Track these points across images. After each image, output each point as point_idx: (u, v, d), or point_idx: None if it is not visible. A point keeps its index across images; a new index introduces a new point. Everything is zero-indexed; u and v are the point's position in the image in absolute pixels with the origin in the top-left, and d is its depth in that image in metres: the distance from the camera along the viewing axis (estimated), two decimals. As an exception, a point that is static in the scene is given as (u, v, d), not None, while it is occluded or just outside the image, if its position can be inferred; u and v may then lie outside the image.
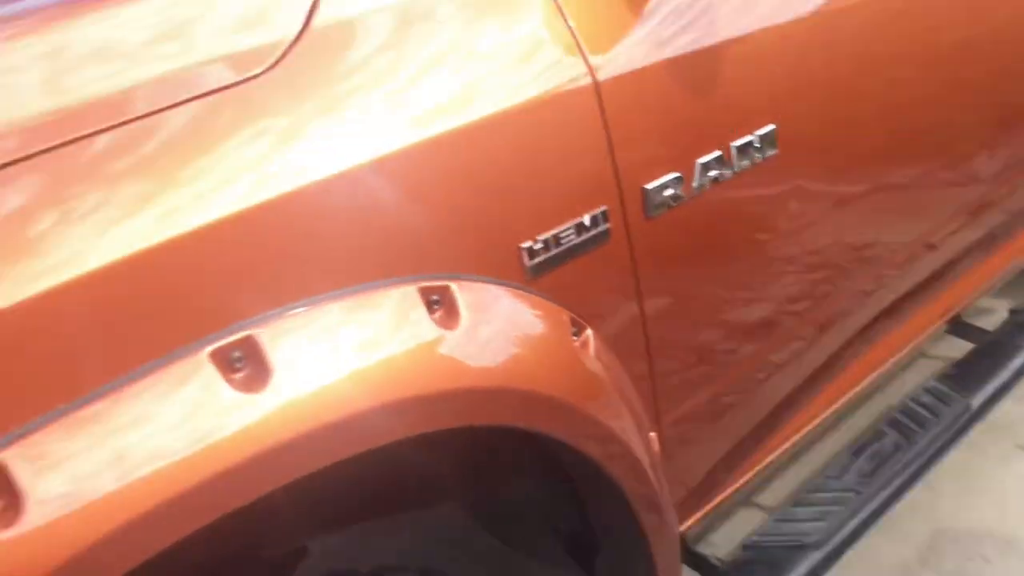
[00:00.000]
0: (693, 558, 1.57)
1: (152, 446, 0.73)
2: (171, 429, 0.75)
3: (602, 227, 1.09)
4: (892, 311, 1.73)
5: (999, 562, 2.08)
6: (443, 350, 0.89)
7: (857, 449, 1.72)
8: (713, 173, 1.20)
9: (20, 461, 0.70)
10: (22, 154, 0.76)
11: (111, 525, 0.71)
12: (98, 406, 0.73)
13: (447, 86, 0.97)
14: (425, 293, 0.91)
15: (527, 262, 1.02)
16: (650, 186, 1.13)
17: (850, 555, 2.12)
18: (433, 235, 0.94)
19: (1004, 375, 1.86)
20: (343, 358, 0.83)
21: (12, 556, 0.68)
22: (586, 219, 1.07)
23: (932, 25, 1.51)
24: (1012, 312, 2.11)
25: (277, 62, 0.89)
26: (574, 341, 1.06)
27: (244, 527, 0.99)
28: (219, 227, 0.80)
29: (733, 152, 1.22)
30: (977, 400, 1.81)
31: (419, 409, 0.87)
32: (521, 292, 1.01)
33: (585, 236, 1.07)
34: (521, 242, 1.01)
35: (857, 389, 1.74)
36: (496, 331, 0.96)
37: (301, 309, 0.84)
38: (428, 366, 0.88)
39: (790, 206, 1.32)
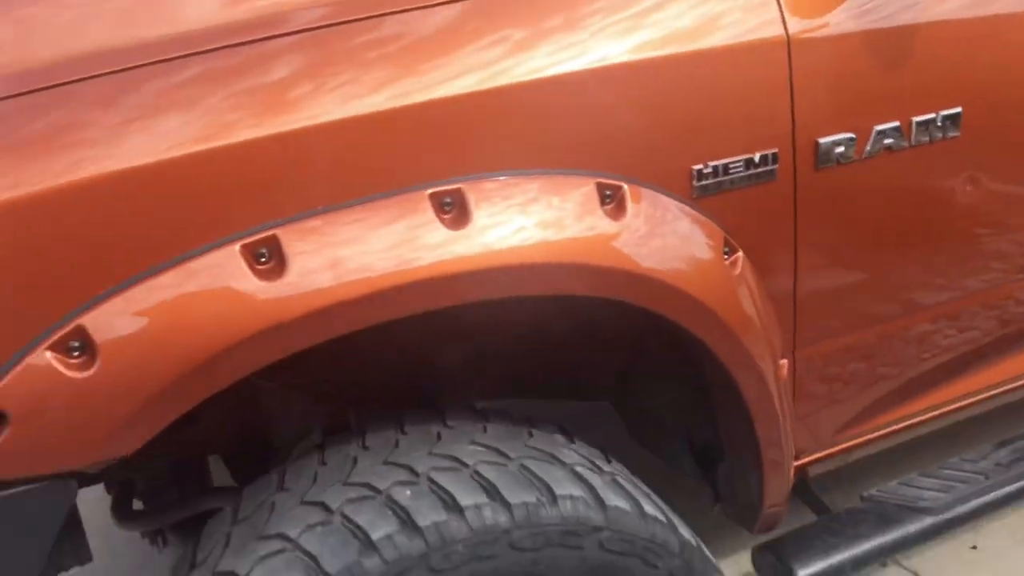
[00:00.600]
0: (810, 497, 1.71)
1: (381, 248, 1.00)
2: (390, 245, 1.01)
3: (770, 167, 1.25)
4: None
5: None
6: (605, 234, 1.11)
7: (1002, 442, 1.77)
8: (888, 141, 1.32)
9: (289, 236, 0.99)
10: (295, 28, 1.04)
11: (344, 297, 0.99)
12: (355, 213, 1.01)
13: (670, 21, 1.16)
14: (601, 187, 1.13)
15: (695, 183, 1.21)
16: (824, 140, 1.28)
17: (980, 553, 2.17)
18: (622, 141, 1.15)
19: None
20: (528, 219, 1.06)
21: (273, 299, 0.97)
22: (756, 157, 1.24)
23: None
24: None
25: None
26: (725, 259, 1.24)
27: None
28: (445, 102, 1.04)
29: (913, 126, 1.33)
30: None
31: (578, 273, 1.09)
32: (684, 205, 1.20)
33: (752, 171, 1.24)
34: (694, 164, 1.20)
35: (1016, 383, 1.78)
36: (655, 232, 1.16)
37: (502, 177, 1.08)
38: (589, 243, 1.09)
39: (960, 189, 1.41)
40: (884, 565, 2.00)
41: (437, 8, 1.09)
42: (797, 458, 1.55)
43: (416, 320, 1.40)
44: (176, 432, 1.48)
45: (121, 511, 1.61)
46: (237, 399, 1.51)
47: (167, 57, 1.01)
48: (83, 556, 1.45)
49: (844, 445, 1.60)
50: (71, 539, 1.39)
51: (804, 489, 1.72)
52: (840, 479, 1.79)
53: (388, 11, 1.07)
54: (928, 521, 1.59)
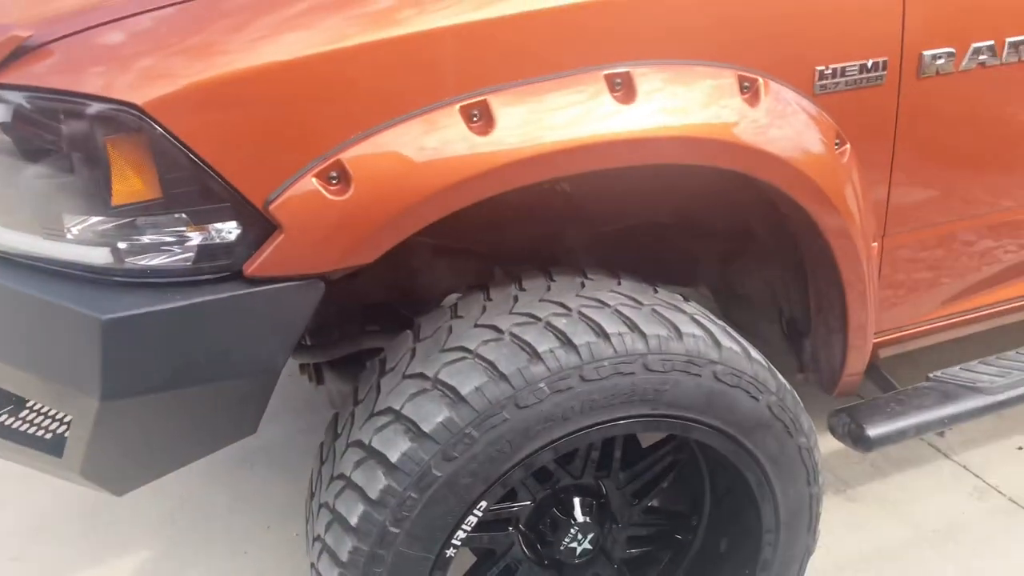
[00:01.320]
0: (879, 376, 1.95)
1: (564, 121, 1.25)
2: (573, 111, 1.26)
3: (880, 72, 1.47)
4: None
5: None
6: (744, 118, 1.35)
7: (1056, 341, 1.99)
8: (982, 57, 1.53)
9: (496, 101, 1.24)
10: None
11: (537, 151, 1.24)
12: (546, 85, 1.26)
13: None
14: (740, 79, 1.36)
15: (816, 81, 1.43)
16: (927, 53, 1.49)
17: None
18: (758, 42, 1.37)
19: None
20: (680, 100, 1.31)
21: (483, 150, 1.23)
22: (869, 63, 1.45)
23: None
24: None
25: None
26: (836, 149, 1.47)
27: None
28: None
29: (1006, 45, 1.54)
30: None
31: (718, 147, 1.33)
32: (805, 100, 1.43)
33: (864, 75, 1.46)
34: (818, 64, 1.42)
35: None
36: (781, 120, 1.39)
37: (660, 63, 1.31)
38: (730, 122, 1.33)
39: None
40: (941, 435, 2.25)
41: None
42: (876, 335, 1.79)
43: (559, 192, 1.66)
44: (341, 281, 1.78)
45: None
46: (395, 256, 1.80)
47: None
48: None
49: (919, 328, 1.84)
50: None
51: (873, 369, 1.97)
52: (910, 362, 2.03)
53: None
54: (983, 400, 1.82)
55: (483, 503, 1.37)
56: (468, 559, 1.68)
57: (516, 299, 1.49)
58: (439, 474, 1.32)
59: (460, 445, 1.32)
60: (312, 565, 1.46)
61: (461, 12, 1.23)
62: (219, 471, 2.58)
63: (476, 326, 1.43)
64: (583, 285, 1.52)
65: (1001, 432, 2.56)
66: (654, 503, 1.72)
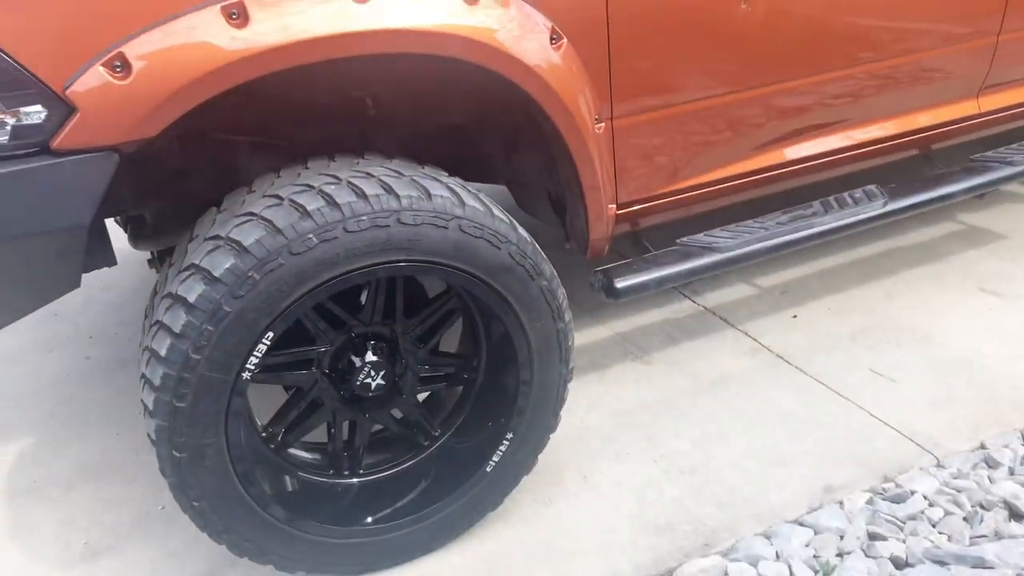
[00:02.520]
0: (639, 244, 2.33)
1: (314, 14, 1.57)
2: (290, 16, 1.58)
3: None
4: (858, 118, 2.34)
5: (907, 348, 2.72)
6: (464, 14, 1.68)
7: (787, 210, 2.39)
8: (676, -35, 1.89)
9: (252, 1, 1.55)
10: None
11: (287, 40, 1.56)
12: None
13: None
14: (468, -14, 1.69)
15: (532, -15, 1.77)
16: (626, -38, 1.84)
17: (798, 322, 2.83)
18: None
19: (927, 197, 2.45)
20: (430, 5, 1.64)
21: (238, 40, 1.54)
22: (576, -29, 1.80)
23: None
24: (970, 159, 2.64)
25: None
26: (552, 43, 1.81)
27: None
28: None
29: (695, -45, 1.90)
30: (893, 205, 2.41)
31: (446, 39, 1.66)
32: (523, 2, 1.76)
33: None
34: (529, -26, 1.76)
35: (815, 172, 2.39)
36: (500, 16, 1.73)
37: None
38: (450, 19, 1.67)
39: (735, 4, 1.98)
40: (698, 284, 2.65)
41: None
42: (621, 207, 2.16)
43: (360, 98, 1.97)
44: (173, 183, 2.07)
45: (136, 237, 2.22)
46: (219, 157, 2.10)
47: None
48: (110, 259, 2.05)
49: (658, 202, 2.21)
50: (100, 245, 1.99)
51: (636, 238, 2.35)
52: (667, 232, 2.41)
53: None
54: (714, 257, 2.22)
55: (270, 333, 1.70)
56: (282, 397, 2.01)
57: (299, 175, 1.81)
58: (229, 310, 1.64)
59: (245, 286, 1.64)
60: (142, 401, 1.78)
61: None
62: (99, 373, 2.87)
63: (263, 196, 1.75)
64: (358, 162, 1.85)
65: (782, 305, 3.00)
66: (441, 348, 2.07)
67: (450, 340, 2.11)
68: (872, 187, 2.47)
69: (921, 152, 2.63)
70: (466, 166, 2.42)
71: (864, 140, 2.40)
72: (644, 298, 2.99)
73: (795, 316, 2.94)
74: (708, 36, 2.01)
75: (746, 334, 2.86)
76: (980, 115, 2.54)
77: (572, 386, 2.08)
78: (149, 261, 2.35)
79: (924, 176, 2.59)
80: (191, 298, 1.65)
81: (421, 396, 2.11)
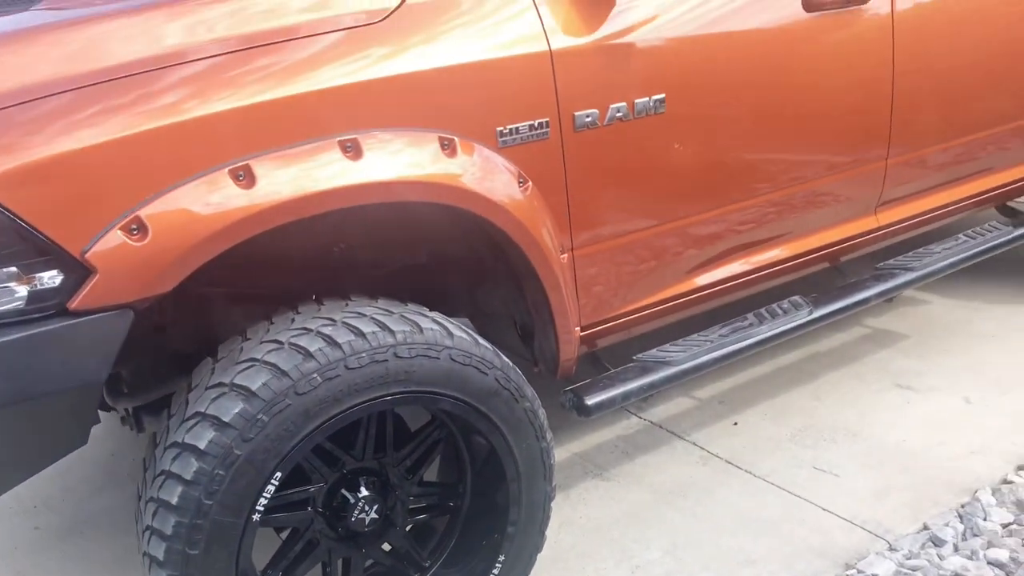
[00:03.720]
0: (599, 363, 2.50)
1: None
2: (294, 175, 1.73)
3: (545, 130, 2.04)
4: (777, 238, 2.62)
5: (841, 443, 2.93)
6: (443, 164, 1.87)
7: (726, 323, 2.61)
8: (619, 115, 2.14)
9: (256, 163, 1.69)
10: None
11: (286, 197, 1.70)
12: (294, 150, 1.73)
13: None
14: (441, 139, 1.88)
15: (499, 140, 1.98)
16: (578, 113, 2.08)
17: (740, 428, 3.02)
18: (450, 113, 1.91)
19: (845, 304, 2.73)
20: (395, 154, 1.81)
21: (243, 200, 1.67)
22: (535, 122, 2.02)
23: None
24: (876, 267, 2.95)
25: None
26: (520, 186, 2.01)
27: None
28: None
29: (635, 104, 2.16)
30: (818, 312, 2.67)
31: (426, 187, 1.84)
32: (493, 152, 1.97)
33: (532, 132, 2.02)
34: (497, 126, 1.97)
35: (743, 288, 2.64)
36: (476, 166, 1.92)
37: (381, 132, 1.82)
38: (433, 170, 1.85)
39: (670, 146, 2.24)
40: (645, 400, 2.81)
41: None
42: (584, 329, 2.33)
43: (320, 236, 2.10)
44: (150, 338, 2.14)
45: (113, 395, 2.25)
46: (195, 311, 2.18)
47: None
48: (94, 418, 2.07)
49: (616, 322, 2.40)
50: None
51: (595, 358, 2.52)
52: (625, 349, 2.59)
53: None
54: (672, 370, 2.40)
55: (278, 474, 1.76)
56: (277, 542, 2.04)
57: (293, 320, 1.91)
58: (240, 453, 1.71)
59: (254, 428, 1.71)
60: (144, 554, 1.79)
61: (223, 100, 1.69)
62: (50, 541, 2.79)
63: (262, 342, 1.84)
64: (347, 305, 1.97)
65: (722, 414, 3.19)
66: (427, 478, 2.15)
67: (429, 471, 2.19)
68: (796, 298, 2.73)
69: (832, 265, 2.93)
70: (430, 302, 2.57)
71: (783, 257, 2.67)
72: (595, 418, 3.15)
73: (736, 423, 3.13)
74: (646, 175, 2.26)
75: (694, 444, 3.02)
76: (879, 228, 2.87)
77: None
78: (123, 419, 2.35)
79: (839, 285, 2.88)
80: (201, 444, 1.70)
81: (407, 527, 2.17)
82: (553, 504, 2.72)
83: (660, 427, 3.14)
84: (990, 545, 2.35)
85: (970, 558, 2.31)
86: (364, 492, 1.99)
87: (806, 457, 2.88)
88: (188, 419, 1.77)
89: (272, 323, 1.94)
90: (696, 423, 3.14)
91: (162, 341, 2.22)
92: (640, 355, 2.46)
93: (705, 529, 2.57)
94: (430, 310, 2.40)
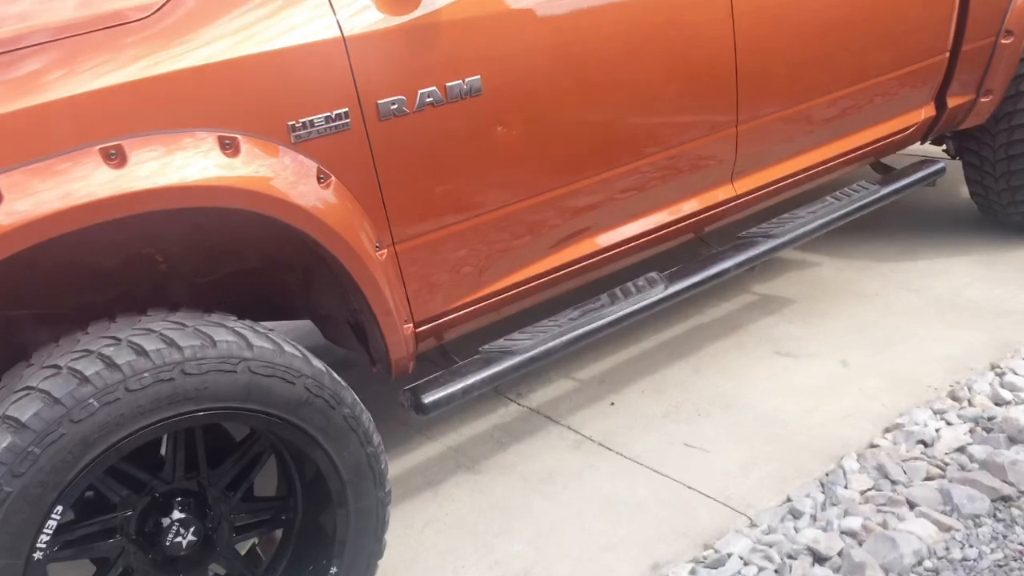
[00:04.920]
0: (446, 356, 2.41)
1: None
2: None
3: (345, 121, 1.93)
4: (625, 214, 2.54)
5: (715, 417, 2.89)
6: (225, 166, 1.75)
7: (577, 305, 2.54)
8: (429, 100, 2.04)
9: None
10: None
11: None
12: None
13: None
14: (221, 139, 1.77)
15: (291, 135, 1.87)
16: (381, 101, 1.97)
17: (616, 408, 2.96)
18: (231, 110, 1.79)
19: (702, 277, 2.67)
20: (172, 162, 1.70)
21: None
22: (332, 113, 1.91)
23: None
24: (738, 236, 2.90)
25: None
26: (319, 183, 1.91)
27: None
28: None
29: (446, 88, 2.06)
30: (673, 288, 2.61)
31: (195, 192, 1.73)
32: (284, 148, 1.86)
33: (330, 124, 1.91)
34: (288, 120, 1.86)
35: (598, 268, 2.56)
36: (262, 164, 1.81)
37: (152, 135, 1.70)
38: (213, 173, 1.74)
39: (489, 129, 2.14)
40: (497, 392, 2.74)
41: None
42: (419, 325, 2.24)
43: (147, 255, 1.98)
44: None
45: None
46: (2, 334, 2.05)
47: None
48: None
49: (454, 315, 2.31)
50: None
51: (443, 351, 2.43)
52: (473, 340, 2.50)
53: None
54: (516, 359, 2.32)
55: (59, 507, 1.65)
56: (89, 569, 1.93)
57: (79, 341, 1.79)
58: (10, 489, 1.59)
59: (25, 462, 1.60)
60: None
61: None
62: None
63: (42, 367, 1.73)
64: (139, 320, 1.85)
65: (600, 394, 3.13)
66: (252, 492, 2.06)
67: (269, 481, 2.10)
68: (652, 274, 2.67)
69: (697, 236, 2.87)
70: (267, 307, 2.46)
71: (636, 233, 2.60)
72: (471, 407, 3.08)
73: (612, 403, 3.07)
74: (468, 160, 2.16)
75: (569, 428, 2.96)
76: (737, 197, 2.81)
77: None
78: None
79: (699, 257, 2.82)
80: (-32, 484, 1.59)
81: (245, 547, 2.08)
82: (422, 501, 2.68)
83: (537, 412, 3.07)
84: (846, 514, 2.32)
85: (824, 529, 2.27)
86: (178, 515, 1.89)
87: (679, 433, 2.84)
88: (-40, 457, 1.65)
89: (58, 346, 1.82)
90: (573, 406, 3.08)
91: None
92: (485, 346, 2.38)
93: (570, 516, 2.51)
94: (267, 317, 2.31)
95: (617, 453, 2.78)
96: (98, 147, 1.66)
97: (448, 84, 2.06)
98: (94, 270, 2.06)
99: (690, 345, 3.37)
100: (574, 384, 3.22)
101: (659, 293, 2.59)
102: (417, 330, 2.24)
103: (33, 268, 1.81)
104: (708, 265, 2.73)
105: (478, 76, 2.10)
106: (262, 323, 1.96)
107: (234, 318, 1.94)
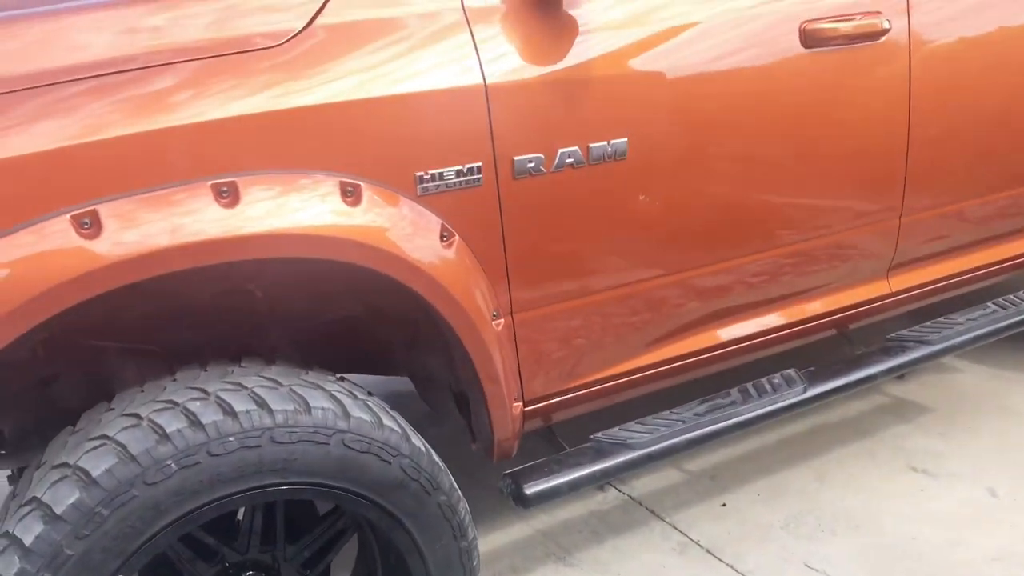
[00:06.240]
0: (554, 439, 2.18)
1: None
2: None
3: (477, 176, 1.74)
4: (764, 303, 2.29)
5: (841, 536, 2.57)
6: (343, 216, 1.58)
7: (704, 399, 2.28)
8: (570, 160, 1.84)
9: (105, 208, 1.42)
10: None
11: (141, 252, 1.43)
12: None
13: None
14: (343, 185, 1.60)
15: (418, 187, 1.69)
16: (517, 158, 1.78)
17: (728, 510, 2.68)
18: (357, 154, 1.63)
19: (846, 381, 2.37)
20: (282, 202, 1.53)
21: (87, 253, 1.40)
22: (464, 167, 1.73)
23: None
24: (886, 338, 2.59)
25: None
26: (442, 241, 1.72)
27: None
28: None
29: (588, 149, 1.85)
30: (814, 391, 2.32)
31: (312, 242, 1.56)
32: (410, 201, 1.68)
33: (461, 179, 1.73)
34: (416, 171, 1.68)
35: (727, 359, 2.31)
36: (383, 217, 1.63)
37: (269, 175, 1.54)
38: (330, 222, 1.57)
39: (631, 198, 1.93)
40: (602, 489, 2.48)
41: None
42: (527, 403, 2.02)
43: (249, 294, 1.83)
44: (34, 392, 1.88)
45: (-12, 455, 1.99)
46: (85, 363, 1.92)
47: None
48: None
49: (568, 396, 2.08)
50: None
51: (550, 434, 2.20)
52: (585, 425, 2.27)
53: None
54: (632, 455, 2.07)
55: (120, 577, 1.48)
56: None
57: (165, 388, 1.64)
58: (71, 553, 1.43)
59: (91, 524, 1.43)
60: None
61: (70, 134, 1.43)
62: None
63: (122, 415, 1.57)
64: (231, 372, 1.69)
65: (711, 492, 2.84)
66: (334, 573, 1.85)
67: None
68: (791, 371, 2.39)
69: (840, 333, 2.58)
70: (367, 359, 2.28)
71: (775, 325, 2.34)
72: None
73: (724, 504, 2.78)
74: (602, 229, 1.95)
75: (674, 527, 2.68)
76: (891, 295, 2.51)
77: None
78: (9, 478, 2.10)
79: (843, 358, 2.52)
80: (27, 540, 1.43)
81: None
82: (504, 592, 2.44)
83: (640, 504, 2.80)
84: None
85: None
86: (249, 592, 1.71)
87: (799, 551, 2.52)
88: (24, 504, 1.50)
89: (142, 391, 1.67)
90: (680, 501, 2.80)
91: (48, 397, 1.96)
92: (598, 435, 2.14)
93: (670, 635, 2.23)
94: (365, 370, 2.12)
95: (728, 565, 2.48)
96: (210, 182, 1.50)
97: (592, 145, 1.86)
98: (189, 307, 1.92)
99: (814, 446, 3.05)
100: (681, 476, 2.94)
101: (797, 395, 2.30)
102: (526, 409, 2.02)
103: (126, 299, 1.67)
104: (853, 368, 2.43)
105: (625, 139, 1.89)
106: (359, 387, 1.77)
107: (332, 378, 1.76)
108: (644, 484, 2.89)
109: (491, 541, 2.65)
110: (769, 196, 2.15)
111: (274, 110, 1.56)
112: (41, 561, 1.42)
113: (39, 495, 1.47)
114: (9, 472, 2.10)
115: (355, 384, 1.78)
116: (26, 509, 1.48)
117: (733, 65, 2.01)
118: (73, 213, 1.42)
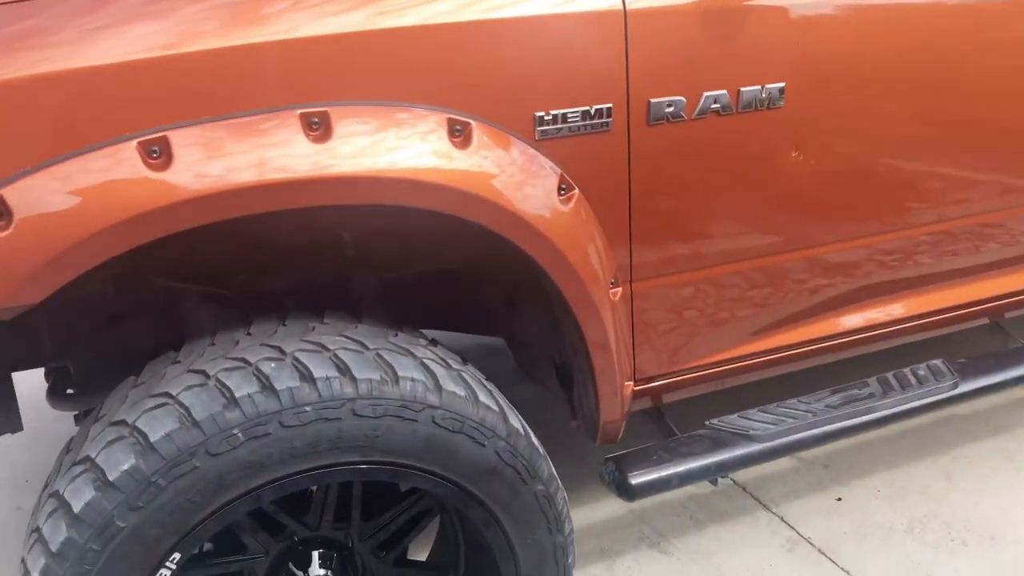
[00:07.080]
0: (663, 422, 1.94)
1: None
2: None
3: (605, 120, 1.48)
4: (920, 284, 1.98)
5: (974, 548, 2.28)
6: (450, 159, 1.34)
7: (838, 388, 2.00)
8: (715, 106, 1.56)
9: (176, 136, 1.21)
10: None
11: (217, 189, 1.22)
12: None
13: None
14: (451, 122, 1.36)
15: (536, 129, 1.44)
16: (655, 100, 1.51)
17: (844, 506, 2.41)
18: (469, 86, 1.38)
19: (1003, 379, 2.06)
20: (379, 139, 1.30)
21: (159, 185, 1.20)
22: (592, 109, 1.46)
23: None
24: (1051, 332, 2.25)
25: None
26: (560, 194, 1.47)
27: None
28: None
29: (739, 94, 1.57)
30: (965, 387, 2.02)
31: (409, 187, 1.33)
32: (525, 145, 1.43)
33: (587, 122, 1.47)
34: (536, 111, 1.43)
35: (869, 344, 2.02)
36: (496, 163, 1.39)
37: (365, 106, 1.31)
38: (433, 165, 1.33)
39: (784, 153, 1.64)
40: (714, 484, 2.24)
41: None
42: (638, 382, 1.78)
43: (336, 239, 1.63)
44: (104, 330, 1.73)
45: (54, 394, 1.85)
46: (157, 304, 1.75)
47: None
48: (15, 425, 1.69)
49: (685, 376, 1.83)
50: (4, 408, 1.64)
51: (659, 416, 1.96)
52: (697, 409, 2.02)
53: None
54: (753, 448, 1.82)
55: (176, 555, 1.31)
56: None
57: (237, 343, 1.45)
58: (123, 525, 1.26)
59: (146, 494, 1.26)
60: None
61: (138, 49, 1.21)
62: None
63: (188, 371, 1.39)
64: (313, 329, 1.49)
65: (824, 484, 2.56)
66: (410, 556, 1.67)
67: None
68: (938, 362, 2.09)
69: (992, 321, 2.25)
70: (461, 315, 2.07)
71: (929, 309, 2.03)
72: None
73: (839, 499, 2.50)
74: (746, 189, 1.67)
75: (782, 520, 2.42)
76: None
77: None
78: (76, 417, 1.97)
79: (997, 350, 2.20)
80: (76, 506, 1.27)
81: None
82: (591, 574, 2.24)
83: (744, 491, 2.55)
84: None
85: None
86: (318, 570, 1.53)
87: (924, 560, 2.24)
88: (77, 463, 1.34)
89: (212, 343, 1.48)
90: (790, 491, 2.53)
91: (118, 334, 1.81)
92: (715, 421, 1.88)
93: (776, 646, 2.00)
94: (459, 328, 1.91)
95: (842, 569, 2.23)
96: (299, 111, 1.28)
97: (743, 89, 1.57)
98: (271, 249, 1.72)
99: (942, 441, 2.73)
100: (791, 462, 2.66)
101: (947, 390, 2.01)
102: (636, 388, 1.78)
103: (197, 238, 1.48)
104: (1012, 362, 2.11)
105: (782, 84, 1.60)
106: (453, 355, 1.56)
107: (424, 342, 1.55)
108: (751, 468, 2.63)
109: (579, 516, 2.44)
110: (942, 164, 1.83)
111: (373, 29, 1.32)
112: (90, 531, 1.26)
113: (93, 455, 1.31)
114: (76, 413, 1.97)
115: (448, 351, 1.57)
116: (78, 469, 1.32)
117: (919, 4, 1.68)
118: (140, 139, 1.21)
